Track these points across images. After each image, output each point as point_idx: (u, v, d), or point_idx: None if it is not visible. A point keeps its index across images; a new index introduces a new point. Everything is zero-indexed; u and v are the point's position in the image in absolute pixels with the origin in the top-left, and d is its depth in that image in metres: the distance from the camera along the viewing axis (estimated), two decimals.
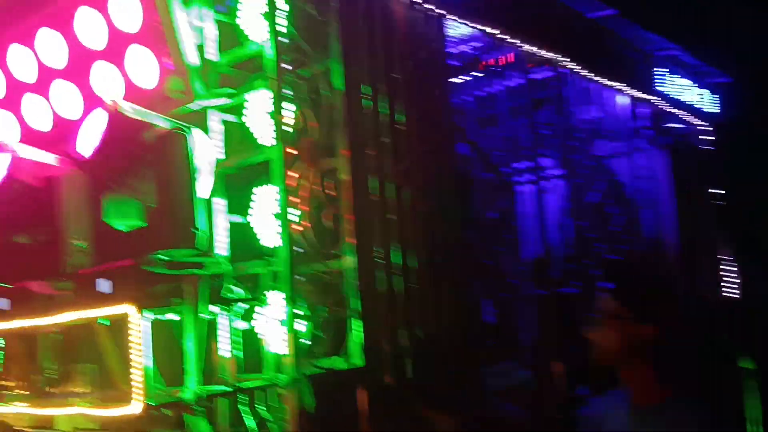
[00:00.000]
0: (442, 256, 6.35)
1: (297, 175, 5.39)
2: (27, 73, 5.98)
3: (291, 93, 5.46)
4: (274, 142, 5.37)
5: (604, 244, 8.96)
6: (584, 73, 9.13)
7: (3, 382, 5.92)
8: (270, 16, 5.43)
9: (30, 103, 6.02)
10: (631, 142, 10.45)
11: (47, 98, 5.89)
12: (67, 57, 5.71)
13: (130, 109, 4.72)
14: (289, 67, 5.45)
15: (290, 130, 5.42)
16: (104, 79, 5.44)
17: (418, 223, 6.20)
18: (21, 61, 5.97)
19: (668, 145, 10.72)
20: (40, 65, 5.88)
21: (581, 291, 8.19)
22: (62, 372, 6.00)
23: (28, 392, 5.54)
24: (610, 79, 9.61)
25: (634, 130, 10.46)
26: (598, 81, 9.59)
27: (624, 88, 10.07)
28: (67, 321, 4.77)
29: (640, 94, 10.54)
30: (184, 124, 4.88)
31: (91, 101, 5.59)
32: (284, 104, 5.41)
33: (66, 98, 5.76)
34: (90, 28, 5.47)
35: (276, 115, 5.34)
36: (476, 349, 6.58)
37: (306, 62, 5.76)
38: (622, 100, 10.38)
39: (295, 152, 5.41)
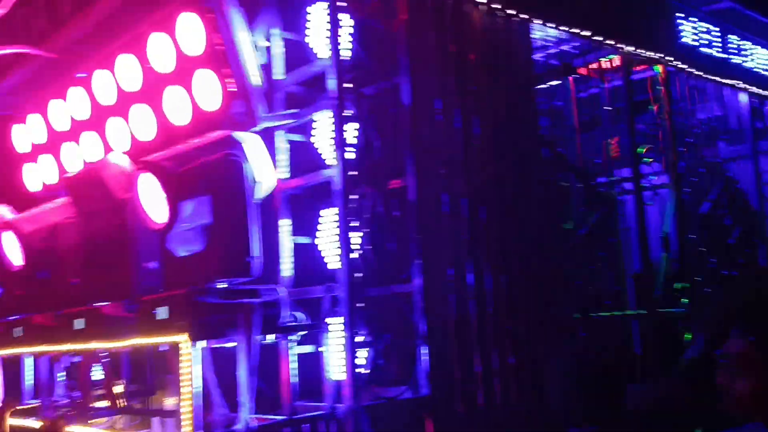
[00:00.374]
0: (525, 276, 6.00)
1: (357, 197, 5.22)
2: (108, 97, 6.16)
3: (353, 111, 5.30)
4: (335, 162, 5.23)
5: (715, 258, 8.23)
6: (695, 71, 8.45)
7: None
8: (332, 32, 5.30)
9: (111, 125, 6.20)
10: (755, 143, 9.57)
11: (126, 121, 6.04)
12: (142, 81, 5.81)
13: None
14: (351, 86, 5.28)
15: (353, 149, 5.27)
16: (173, 103, 5.49)
17: (495, 242, 5.89)
18: (103, 86, 6.16)
19: None
20: (119, 90, 6.04)
21: (689, 311, 7.57)
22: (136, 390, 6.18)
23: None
24: (724, 77, 8.85)
25: (757, 131, 9.58)
26: (713, 80, 8.86)
27: (746, 87, 9.25)
28: (126, 345, 4.85)
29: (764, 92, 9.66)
30: (240, 149, 4.82)
31: (164, 125, 5.66)
32: (347, 123, 5.26)
33: (142, 121, 5.87)
34: (160, 52, 5.54)
35: (337, 134, 5.21)
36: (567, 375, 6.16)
37: (372, 79, 5.59)
38: (743, 99, 9.54)
39: (356, 173, 5.25)
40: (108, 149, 6.25)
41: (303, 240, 5.52)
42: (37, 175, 7.39)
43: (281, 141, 5.57)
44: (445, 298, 5.43)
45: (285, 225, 5.46)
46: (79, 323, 5.43)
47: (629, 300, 8.02)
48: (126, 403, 6.29)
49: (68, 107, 6.74)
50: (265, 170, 4.99)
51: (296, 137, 5.69)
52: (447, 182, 5.62)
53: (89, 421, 6.01)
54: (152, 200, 5.13)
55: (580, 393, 6.04)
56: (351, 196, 5.11)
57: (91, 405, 6.25)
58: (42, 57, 6.57)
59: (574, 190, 7.15)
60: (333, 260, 5.23)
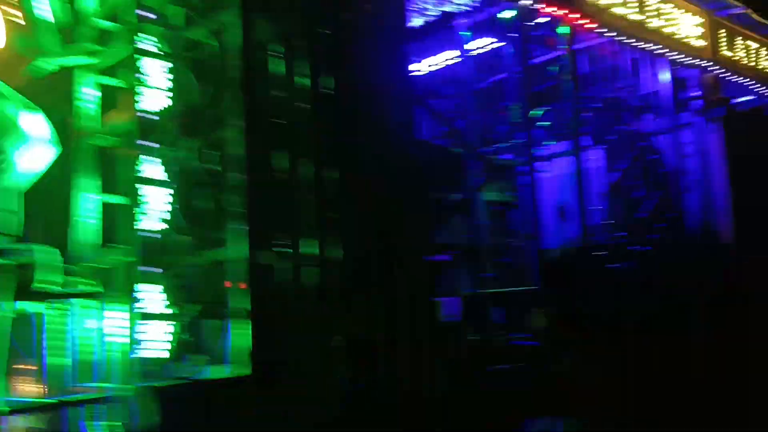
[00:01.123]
0: (380, 249, 5.34)
1: (165, 147, 4.51)
2: None
3: (165, 52, 4.58)
4: (147, 108, 4.52)
5: (625, 233, 7.64)
6: (606, 31, 7.79)
7: None
8: None
9: None
10: (676, 116, 8.98)
11: None
12: None
13: None
14: (166, 23, 4.57)
15: (166, 95, 4.56)
16: None
17: (348, 209, 5.20)
18: None
19: (721, 117, 9.14)
20: None
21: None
22: None
23: None
24: (640, 41, 8.22)
25: (679, 103, 8.98)
26: (627, 42, 8.23)
27: (664, 52, 8.64)
28: None
29: (692, 61, 9.05)
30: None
31: None
32: (158, 65, 4.55)
33: None
34: None
35: (143, 78, 4.49)
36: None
37: (195, 17, 4.89)
38: (664, 70, 8.93)
39: (170, 121, 4.55)
40: None
41: (114, 199, 4.82)
42: None
43: (90, 84, 4.85)
44: (273, 268, 4.77)
45: (88, 182, 4.75)
46: None
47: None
48: None
49: None
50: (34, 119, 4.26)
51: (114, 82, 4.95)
52: (286, 139, 4.93)
53: None
54: None
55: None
56: (159, 146, 4.39)
57: None
58: None
59: (466, 158, 6.50)
60: (141, 221, 4.54)
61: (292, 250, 4.91)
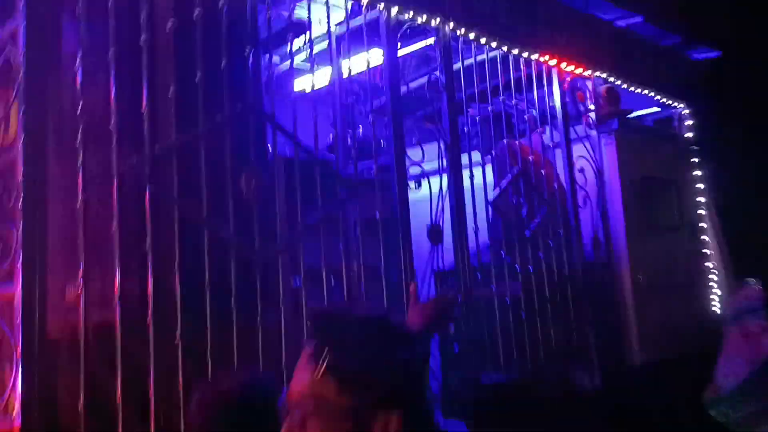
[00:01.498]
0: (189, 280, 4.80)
1: None
2: None
3: None
4: None
5: (504, 252, 7.27)
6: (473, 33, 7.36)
7: None
8: None
9: None
10: (568, 130, 8.66)
11: None
12: None
13: None
14: None
15: None
16: None
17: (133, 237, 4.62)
18: None
19: (614, 130, 8.87)
20: None
21: None
22: None
23: None
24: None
25: (568, 115, 8.66)
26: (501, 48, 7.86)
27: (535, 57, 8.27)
28: None
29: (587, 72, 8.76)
30: None
31: None
32: None
33: None
34: None
35: None
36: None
37: None
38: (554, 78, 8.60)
39: None
40: None
41: None
42: None
43: None
44: (58, 305, 4.22)
45: None
46: None
47: None
48: None
49: None
50: None
51: None
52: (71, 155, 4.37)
53: None
54: None
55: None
56: None
57: None
58: None
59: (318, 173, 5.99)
60: None
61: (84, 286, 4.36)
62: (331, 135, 6.67)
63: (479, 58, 7.54)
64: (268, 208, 5.43)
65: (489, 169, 8.26)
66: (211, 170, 4.96)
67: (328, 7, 6.09)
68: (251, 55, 5.37)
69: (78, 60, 4.43)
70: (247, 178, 5.18)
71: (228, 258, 4.93)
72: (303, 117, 5.80)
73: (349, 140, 6.94)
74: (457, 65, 7.25)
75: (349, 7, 6.43)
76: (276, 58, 6.33)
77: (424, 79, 7.33)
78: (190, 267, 4.72)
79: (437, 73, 7.09)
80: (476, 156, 7.69)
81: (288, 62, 5.87)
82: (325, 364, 1.92)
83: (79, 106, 4.41)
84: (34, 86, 4.26)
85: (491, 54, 7.63)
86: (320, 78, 6.76)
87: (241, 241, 5.00)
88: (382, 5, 6.38)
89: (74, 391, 4.16)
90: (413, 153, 6.91)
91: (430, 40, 7.14)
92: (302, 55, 7.16)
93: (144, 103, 4.69)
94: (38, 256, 4.12)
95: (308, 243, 5.94)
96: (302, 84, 6.77)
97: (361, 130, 7.03)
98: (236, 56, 5.22)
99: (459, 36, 7.22)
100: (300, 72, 6.65)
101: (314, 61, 6.21)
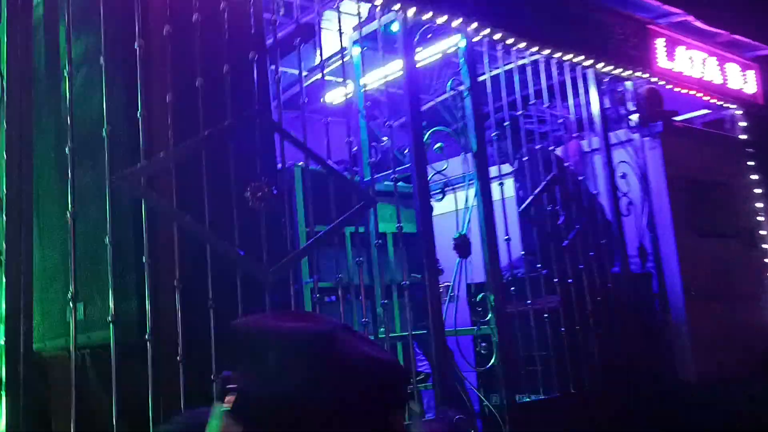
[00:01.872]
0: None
1: None
2: None
3: None
4: None
5: (540, 265, 6.85)
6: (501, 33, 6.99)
7: None
8: None
9: None
10: (608, 134, 8.21)
11: None
12: None
13: None
14: None
15: None
16: None
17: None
18: None
19: (659, 133, 8.36)
20: None
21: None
22: None
23: None
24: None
25: (607, 119, 8.22)
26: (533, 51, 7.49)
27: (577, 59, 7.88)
28: None
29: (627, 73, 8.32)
30: None
31: None
32: None
33: None
34: None
35: None
36: None
37: None
38: (591, 81, 8.18)
39: None
40: None
41: None
42: None
43: None
44: None
45: None
46: None
47: None
48: None
49: None
50: None
51: None
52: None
53: None
54: None
55: None
56: None
57: None
58: None
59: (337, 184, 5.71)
60: None
61: None
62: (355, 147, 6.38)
63: (507, 66, 7.21)
64: (278, 220, 5.15)
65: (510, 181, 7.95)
66: (213, 181, 4.72)
67: (339, 14, 5.85)
68: (256, 62, 5.14)
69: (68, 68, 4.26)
70: (253, 189, 4.92)
71: (234, 273, 4.67)
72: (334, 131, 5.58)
73: (373, 153, 6.65)
74: (484, 76, 6.87)
75: (364, 12, 6.19)
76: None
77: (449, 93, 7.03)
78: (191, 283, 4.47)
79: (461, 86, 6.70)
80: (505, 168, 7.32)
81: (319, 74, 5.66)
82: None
83: (70, 116, 4.23)
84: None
85: (520, 62, 7.27)
86: (345, 90, 6.47)
87: (246, 260, 4.72)
88: (398, 6, 6.08)
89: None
90: (438, 165, 6.62)
91: (453, 41, 6.80)
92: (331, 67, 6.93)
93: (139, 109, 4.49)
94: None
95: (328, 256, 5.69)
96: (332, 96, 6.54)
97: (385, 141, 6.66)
98: (239, 62, 5.00)
99: (483, 39, 6.86)
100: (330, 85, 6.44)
101: (345, 73, 5.97)
